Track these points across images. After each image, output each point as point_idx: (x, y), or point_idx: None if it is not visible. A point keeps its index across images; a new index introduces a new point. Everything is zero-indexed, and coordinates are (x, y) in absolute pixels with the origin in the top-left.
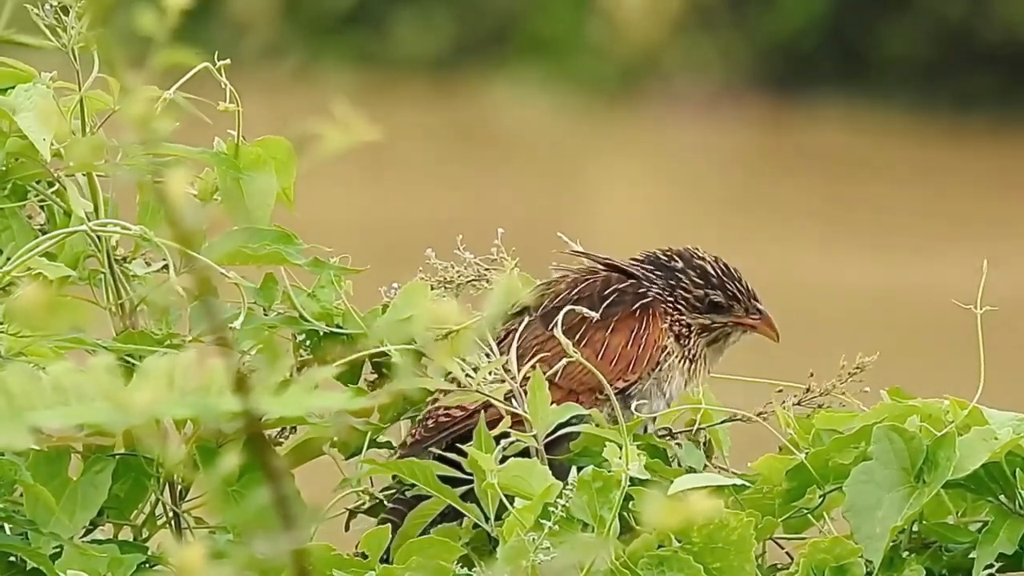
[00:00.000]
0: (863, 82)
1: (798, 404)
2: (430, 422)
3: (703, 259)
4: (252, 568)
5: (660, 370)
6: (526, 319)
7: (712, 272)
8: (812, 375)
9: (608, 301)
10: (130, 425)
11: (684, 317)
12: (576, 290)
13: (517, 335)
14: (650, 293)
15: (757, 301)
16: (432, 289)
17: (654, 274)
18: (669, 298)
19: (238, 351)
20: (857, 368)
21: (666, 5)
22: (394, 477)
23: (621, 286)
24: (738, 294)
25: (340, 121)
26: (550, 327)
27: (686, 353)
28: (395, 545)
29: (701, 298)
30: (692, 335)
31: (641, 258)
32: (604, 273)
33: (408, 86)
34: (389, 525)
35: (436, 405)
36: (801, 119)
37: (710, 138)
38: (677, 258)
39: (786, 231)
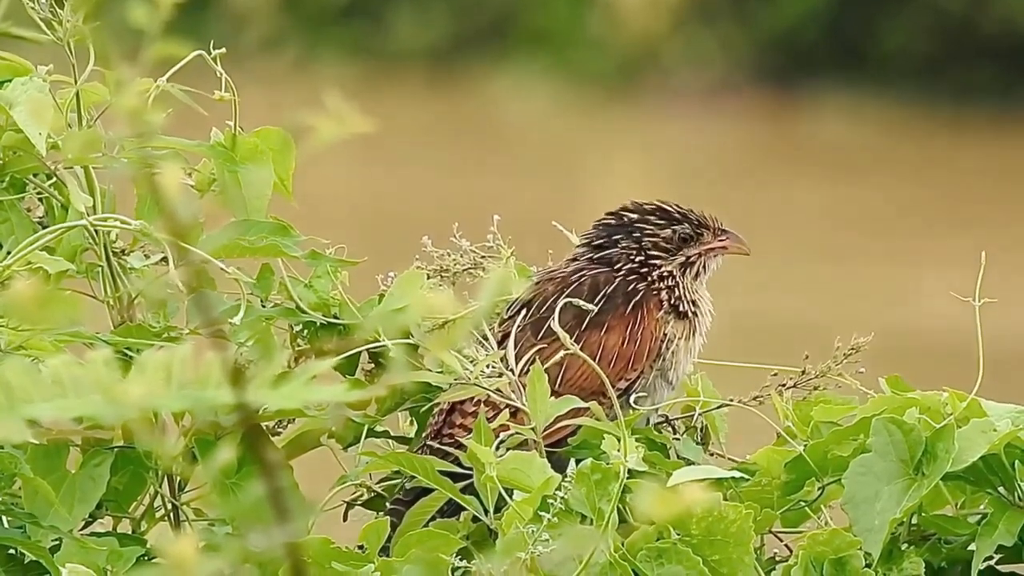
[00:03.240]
0: (863, 75)
1: (794, 387)
2: (446, 438)
3: (651, 203)
4: (249, 561)
5: (663, 360)
6: (517, 323)
7: (669, 208)
8: (807, 357)
9: (599, 306)
10: (127, 418)
11: (665, 265)
12: (564, 295)
13: (510, 342)
14: (640, 286)
15: (719, 222)
16: (428, 278)
17: (618, 242)
18: (639, 255)
19: (235, 343)
20: (852, 349)
21: None
22: (395, 471)
23: (610, 288)
24: (702, 221)
25: (333, 113)
26: (540, 335)
27: (689, 326)
28: (394, 542)
29: (670, 237)
30: (679, 280)
31: (593, 238)
32: (590, 274)
33: (406, 79)
34: (388, 518)
35: (447, 409)
36: (801, 112)
37: (710, 131)
38: (626, 213)
39: (786, 224)
